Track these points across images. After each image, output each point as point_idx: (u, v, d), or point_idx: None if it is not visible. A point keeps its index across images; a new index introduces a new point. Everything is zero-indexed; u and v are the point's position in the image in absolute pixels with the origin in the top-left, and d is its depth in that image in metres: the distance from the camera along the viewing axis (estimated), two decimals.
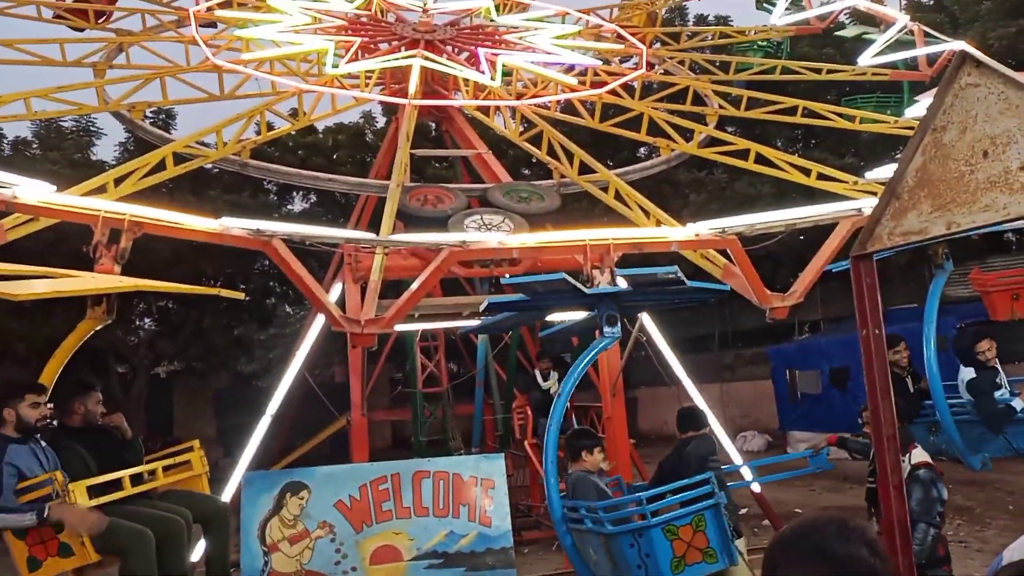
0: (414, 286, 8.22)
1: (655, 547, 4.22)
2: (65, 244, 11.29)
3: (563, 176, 11.65)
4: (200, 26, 12.33)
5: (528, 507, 11.33)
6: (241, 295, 7.65)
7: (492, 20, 14.36)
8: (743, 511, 11.11)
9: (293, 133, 20.60)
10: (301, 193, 20.66)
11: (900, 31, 12.22)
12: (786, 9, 13.88)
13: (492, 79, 12.02)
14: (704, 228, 8.86)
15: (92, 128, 17.78)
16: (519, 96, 12.89)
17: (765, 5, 14.31)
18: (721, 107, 13.02)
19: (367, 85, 12.56)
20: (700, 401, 10.64)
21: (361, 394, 8.93)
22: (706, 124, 12.65)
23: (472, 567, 7.80)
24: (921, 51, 12.25)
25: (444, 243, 8.40)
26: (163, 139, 11.93)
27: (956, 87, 2.72)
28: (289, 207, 20.50)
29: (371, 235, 8.75)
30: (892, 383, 6.24)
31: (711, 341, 22.96)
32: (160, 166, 9.01)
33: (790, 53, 14.61)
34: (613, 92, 12.84)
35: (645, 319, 10.73)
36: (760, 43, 14.73)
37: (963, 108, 2.69)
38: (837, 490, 12.80)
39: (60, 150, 16.44)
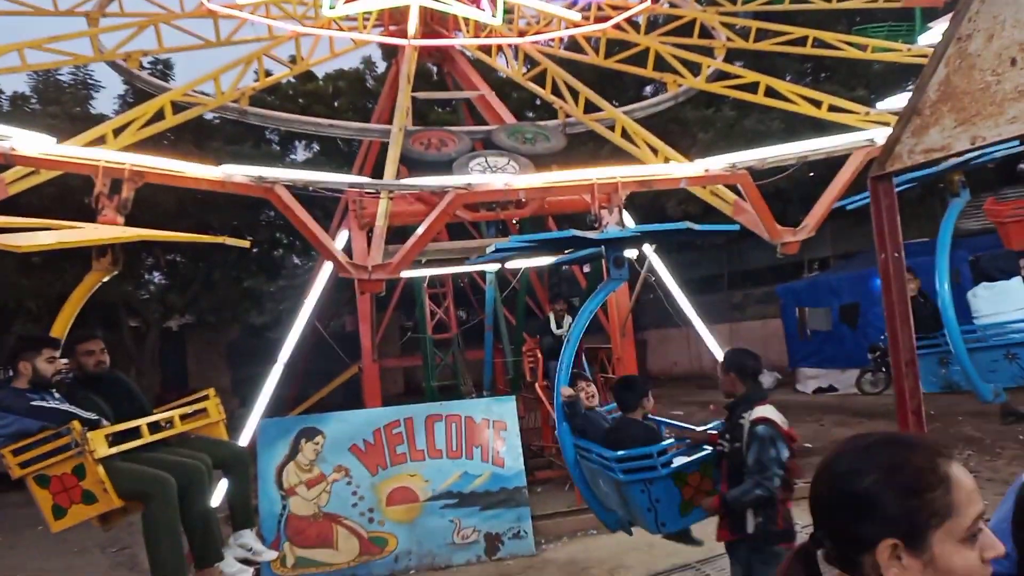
0: (420, 231, 8.15)
1: (665, 493, 4.41)
2: (70, 198, 11.22)
3: (568, 116, 11.43)
4: None
5: (540, 447, 11.43)
6: (246, 243, 7.57)
7: None
8: None
9: (293, 80, 20.31)
10: (304, 142, 20.45)
11: None
12: None
13: (493, 16, 11.70)
14: (714, 163, 8.70)
15: (90, 81, 17.52)
16: (522, 34, 12.58)
17: None
18: (729, 40, 12.67)
19: (365, 27, 12.28)
20: (710, 340, 10.63)
21: (371, 341, 8.94)
22: (714, 58, 12.35)
23: (487, 506, 7.94)
24: None
25: (449, 186, 8.29)
26: (161, 89, 11.72)
27: None
28: (292, 156, 20.32)
29: (375, 180, 8.65)
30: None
31: (720, 281, 22.90)
32: (158, 115, 8.87)
33: None
34: (618, 27, 12.52)
35: (654, 259, 10.65)
36: None
37: (990, 14, 2.55)
38: (847, 424, 12.87)
39: (59, 104, 16.23)
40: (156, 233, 6.65)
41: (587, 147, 18.72)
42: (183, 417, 5.08)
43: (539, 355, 10.74)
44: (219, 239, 7.03)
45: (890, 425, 5.04)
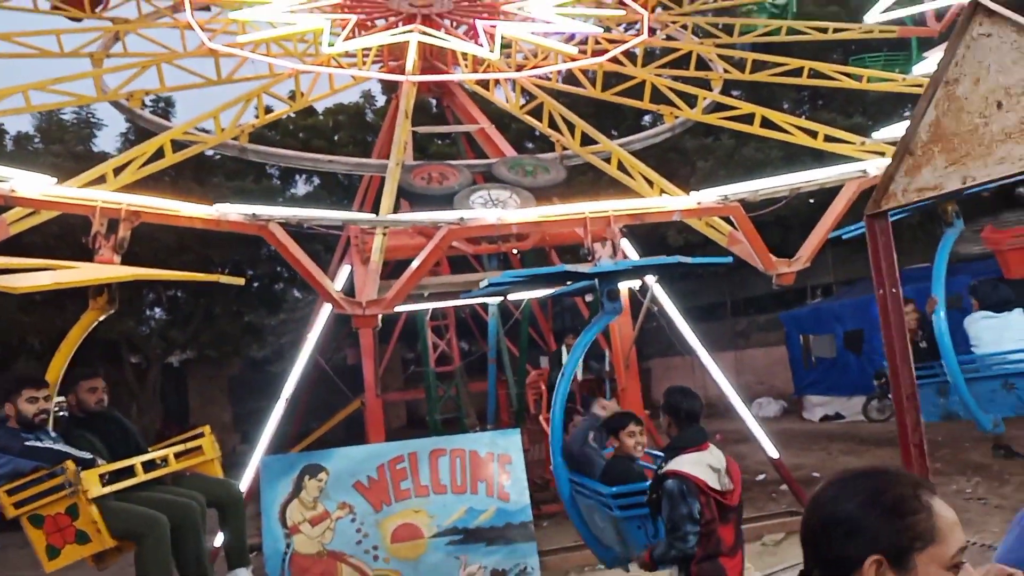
0: (414, 265, 8.21)
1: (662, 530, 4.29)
2: (71, 236, 11.29)
3: (565, 148, 11.54)
4: (195, 10, 12.23)
5: (546, 481, 11.37)
6: (241, 280, 7.66)
7: None
8: (760, 476, 11.13)
9: (293, 116, 20.50)
10: (304, 177, 20.62)
11: None
12: None
13: (490, 51, 11.87)
14: (707, 196, 8.76)
15: (93, 120, 17.73)
16: (519, 68, 12.75)
17: None
18: (726, 71, 12.83)
19: (364, 63, 12.45)
20: (714, 370, 10.62)
21: (374, 375, 8.95)
22: (711, 89, 12.49)
23: (492, 542, 7.86)
24: (929, 5, 12.04)
25: (442, 221, 8.35)
26: (162, 127, 11.87)
27: (968, 38, 2.65)
28: (292, 191, 20.47)
29: (369, 215, 8.71)
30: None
31: (723, 309, 22.90)
32: (159, 154, 8.97)
33: (795, 13, 14.35)
34: (615, 60, 12.67)
35: (656, 289, 10.69)
36: (765, 3, 14.46)
37: (975, 59, 2.62)
38: (854, 452, 12.80)
39: (62, 143, 16.42)
40: (151, 272, 6.73)
41: (587, 177, 18.83)
42: (177, 455, 5.09)
43: (543, 387, 10.73)
44: (213, 277, 7.08)
45: (897, 453, 5.03)
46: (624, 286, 9.96)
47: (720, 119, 11.40)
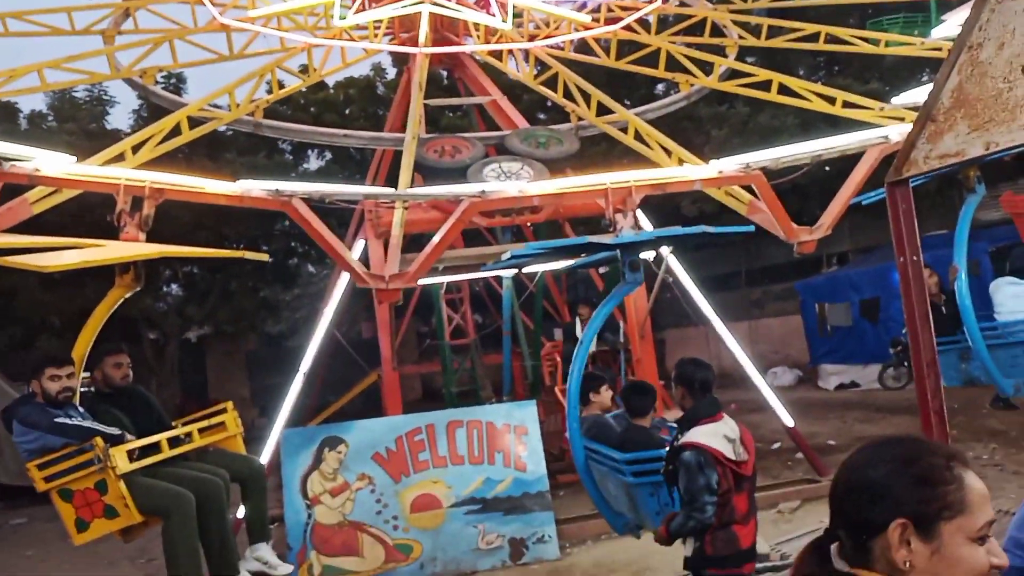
0: (435, 239, 8.21)
1: (676, 497, 4.33)
2: (89, 215, 11.40)
3: (580, 119, 11.45)
4: None
5: (562, 451, 11.45)
6: (265, 257, 7.71)
7: None
8: (776, 445, 11.17)
9: (304, 91, 20.43)
10: (316, 151, 20.59)
11: None
12: None
13: (503, 21, 11.75)
14: (728, 164, 8.68)
15: (105, 97, 17.76)
16: (532, 38, 12.62)
17: None
18: (741, 37, 12.64)
19: (376, 35, 12.36)
20: (729, 339, 10.61)
21: (391, 349, 9.02)
22: (725, 56, 12.32)
23: (510, 511, 7.98)
24: None
25: (464, 194, 8.35)
26: (176, 103, 11.88)
27: (992, 2, 2.60)
28: (305, 166, 20.47)
29: (389, 190, 8.71)
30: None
31: (738, 278, 22.80)
32: (175, 131, 8.98)
33: None
34: (628, 28, 12.52)
35: (671, 259, 10.65)
36: None
37: (1000, 23, 2.57)
38: (870, 420, 12.80)
39: (75, 121, 16.46)
40: (177, 249, 6.76)
41: (600, 148, 18.69)
42: (201, 431, 5.17)
43: (558, 359, 10.77)
44: (239, 253, 7.12)
45: (914, 420, 5.00)
46: (640, 257, 9.96)
47: (737, 86, 11.26)
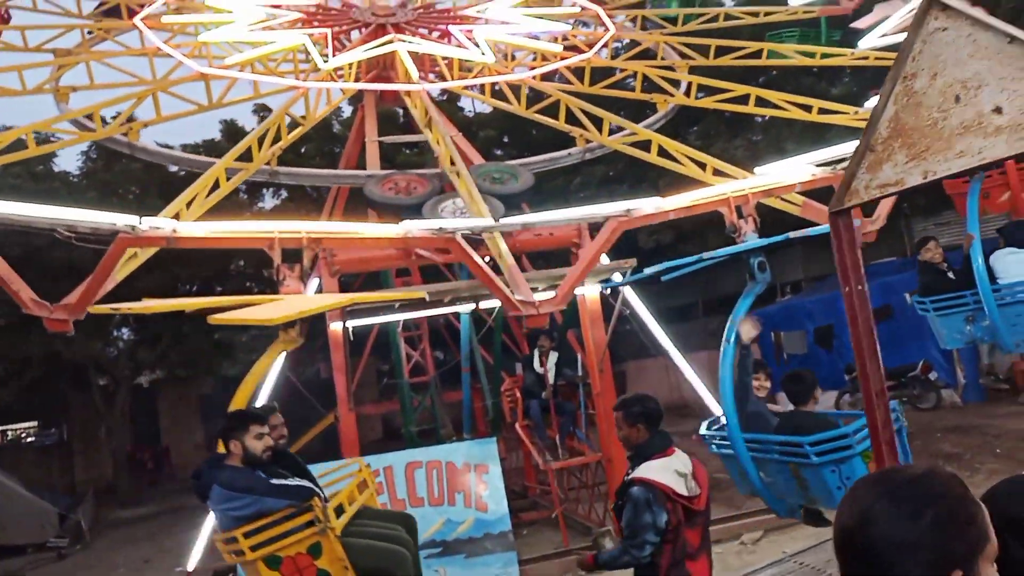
0: (581, 260, 8.43)
1: (854, 472, 4.65)
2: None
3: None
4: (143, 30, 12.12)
5: (525, 488, 11.31)
6: (422, 294, 7.93)
7: None
8: None
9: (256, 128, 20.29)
10: (272, 190, 20.40)
11: None
12: None
13: (482, 55, 12.02)
14: (810, 166, 8.95)
15: (52, 139, 17.39)
16: (498, 72, 12.84)
17: None
18: (689, 57, 13.03)
19: (346, 76, 12.40)
20: (688, 371, 10.66)
21: (347, 389, 8.85)
22: (678, 80, 12.72)
23: (472, 553, 7.80)
24: None
25: (607, 215, 8.39)
26: (137, 148, 11.75)
27: (924, 32, 2.65)
28: (260, 204, 20.24)
29: (523, 218, 8.78)
30: (934, 275, 6.90)
31: (696, 309, 23.05)
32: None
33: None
34: (560, 74, 12.86)
35: (628, 292, 10.69)
36: None
37: (932, 53, 2.62)
38: None
39: (23, 163, 16.06)
40: (367, 295, 6.75)
41: (557, 182, 18.91)
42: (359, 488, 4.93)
43: (518, 394, 10.67)
44: (415, 294, 7.25)
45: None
46: (595, 290, 9.99)
47: (715, 101, 11.50)
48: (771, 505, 5.34)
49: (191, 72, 11.48)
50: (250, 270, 17.36)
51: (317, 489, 4.42)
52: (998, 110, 2.47)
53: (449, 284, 10.15)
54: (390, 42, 12.22)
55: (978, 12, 2.54)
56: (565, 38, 13.66)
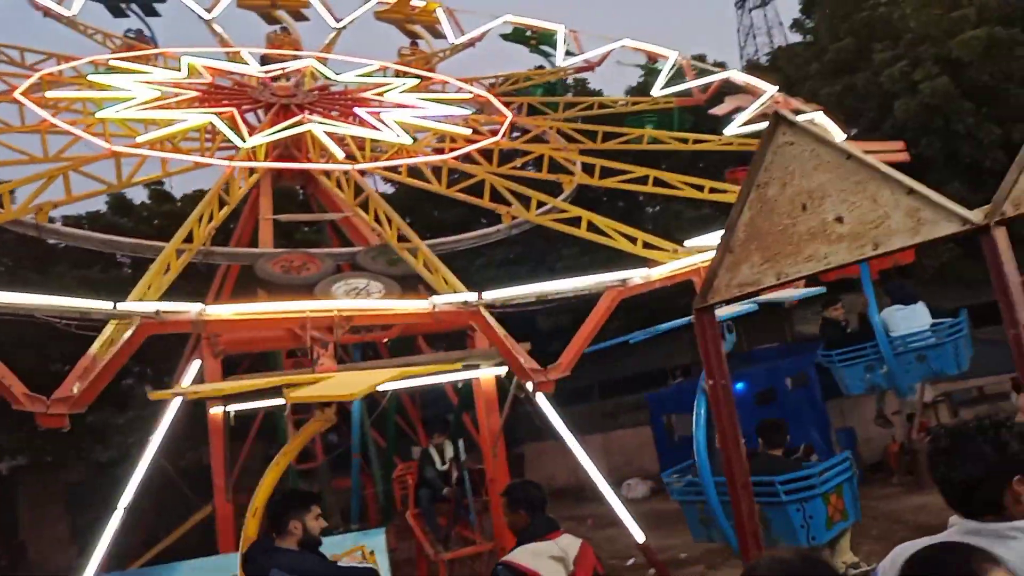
0: (584, 329, 9.05)
1: (816, 511, 5.31)
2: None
3: (515, 218, 11.83)
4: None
5: None
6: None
7: (327, 79, 14.53)
8: (630, 561, 11.14)
9: (149, 202, 19.64)
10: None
11: (672, 67, 14.23)
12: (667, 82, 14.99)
13: (396, 136, 12.22)
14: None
15: None
16: (412, 152, 13.02)
17: (648, 76, 15.34)
18: (577, 142, 13.65)
19: (256, 155, 12.28)
20: (581, 454, 10.66)
21: (224, 477, 8.37)
22: (562, 190, 13.21)
23: None
24: (695, 83, 14.40)
25: (608, 282, 9.02)
26: (59, 234, 11.22)
27: (774, 146, 2.87)
28: None
29: (526, 289, 9.10)
30: (836, 331, 8.08)
31: (592, 391, 23.30)
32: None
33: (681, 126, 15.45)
34: (468, 158, 13.19)
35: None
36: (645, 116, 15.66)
37: (781, 165, 2.83)
38: None
39: None
40: (417, 368, 6.54)
41: (458, 263, 19.03)
42: None
43: (410, 481, 10.36)
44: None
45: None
46: (491, 373, 9.97)
47: (553, 220, 11.73)
48: (734, 545, 5.69)
49: (99, 150, 11.16)
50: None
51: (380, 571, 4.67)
52: (839, 219, 2.67)
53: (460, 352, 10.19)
54: (302, 122, 12.29)
55: (819, 130, 2.77)
56: (466, 121, 14.05)
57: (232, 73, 13.96)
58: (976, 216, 2.45)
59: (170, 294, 16.86)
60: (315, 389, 4.90)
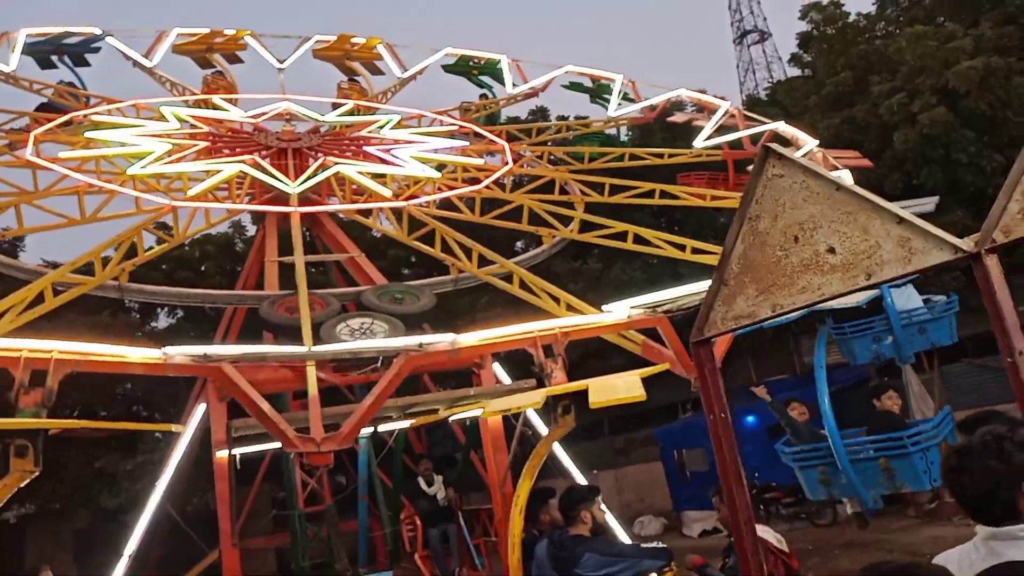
0: (371, 395, 8.03)
1: (935, 458, 5.94)
2: None
3: (461, 271, 11.78)
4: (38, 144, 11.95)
5: None
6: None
7: (316, 120, 14.72)
8: None
9: (156, 248, 19.77)
10: (167, 309, 19.70)
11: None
12: (619, 103, 15.49)
13: (422, 170, 12.59)
14: (630, 310, 9.27)
15: None
16: (396, 197, 13.09)
17: (599, 100, 15.67)
18: (585, 193, 13.61)
19: (238, 195, 12.37)
20: None
21: (229, 521, 8.29)
22: (574, 211, 13.23)
23: None
24: (644, 104, 14.94)
25: (400, 348, 8.35)
26: (11, 266, 11.22)
27: (764, 178, 2.89)
28: (153, 324, 19.46)
29: (318, 348, 8.31)
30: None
31: (601, 427, 23.11)
32: (38, 299, 8.42)
33: (623, 142, 16.27)
34: (488, 188, 13.26)
35: (530, 413, 10.64)
36: (599, 133, 16.26)
37: (772, 197, 2.84)
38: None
39: None
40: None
41: (464, 300, 19.07)
42: None
43: (418, 522, 10.27)
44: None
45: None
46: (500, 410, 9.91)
47: (596, 237, 11.93)
48: (861, 495, 6.39)
49: (125, 208, 11.38)
50: (137, 394, 16.41)
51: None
52: (831, 250, 2.67)
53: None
54: (325, 165, 12.49)
55: (807, 161, 2.79)
56: (466, 169, 14.20)
57: (222, 121, 14.17)
58: (967, 244, 2.45)
59: (172, 335, 16.84)
60: (612, 392, 5.53)
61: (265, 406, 7.71)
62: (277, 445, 9.60)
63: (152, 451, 17.07)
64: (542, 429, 10.89)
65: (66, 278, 9.34)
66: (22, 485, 4.87)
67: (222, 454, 8.34)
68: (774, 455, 7.49)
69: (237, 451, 8.35)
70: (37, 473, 4.88)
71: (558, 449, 10.76)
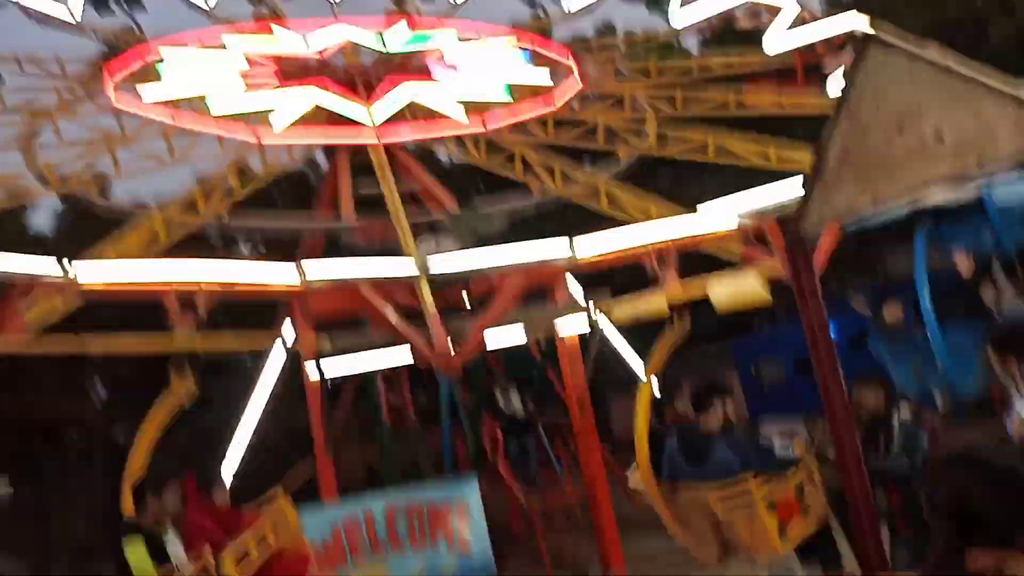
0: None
1: None
2: None
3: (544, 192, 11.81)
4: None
5: (508, 526, 11.14)
6: None
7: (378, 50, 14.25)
8: None
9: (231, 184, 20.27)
10: (250, 244, 20.32)
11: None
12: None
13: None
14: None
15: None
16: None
17: (657, 8, 14.85)
18: (657, 108, 13.18)
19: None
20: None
21: (324, 434, 8.76)
22: (645, 130, 12.86)
23: None
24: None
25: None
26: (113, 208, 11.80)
27: (865, 66, 2.78)
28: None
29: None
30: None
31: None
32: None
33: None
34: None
35: (607, 328, 10.74)
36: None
37: (874, 85, 2.75)
38: None
39: None
40: None
41: (532, 223, 19.00)
42: None
43: (499, 433, 10.63)
44: None
45: None
46: (576, 329, 9.97)
47: (677, 151, 11.67)
48: (958, 381, 6.29)
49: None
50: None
51: None
52: (939, 137, 2.58)
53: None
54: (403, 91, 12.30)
55: (912, 47, 2.67)
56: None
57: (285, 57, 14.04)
58: None
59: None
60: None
61: (398, 323, 8.21)
62: (365, 365, 9.97)
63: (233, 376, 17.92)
64: (618, 337, 10.99)
65: (174, 217, 9.80)
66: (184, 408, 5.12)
67: (313, 373, 8.68)
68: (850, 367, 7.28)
69: (328, 372, 8.65)
70: (196, 395, 5.15)
71: (638, 363, 10.86)
